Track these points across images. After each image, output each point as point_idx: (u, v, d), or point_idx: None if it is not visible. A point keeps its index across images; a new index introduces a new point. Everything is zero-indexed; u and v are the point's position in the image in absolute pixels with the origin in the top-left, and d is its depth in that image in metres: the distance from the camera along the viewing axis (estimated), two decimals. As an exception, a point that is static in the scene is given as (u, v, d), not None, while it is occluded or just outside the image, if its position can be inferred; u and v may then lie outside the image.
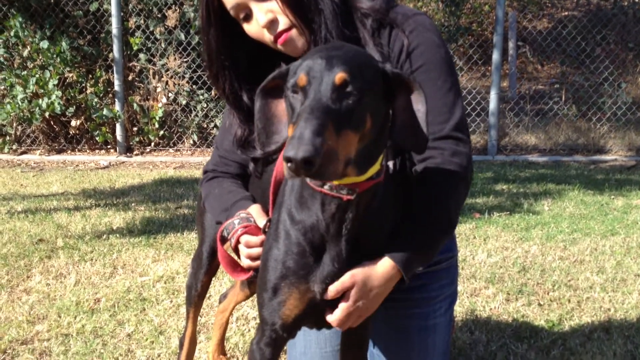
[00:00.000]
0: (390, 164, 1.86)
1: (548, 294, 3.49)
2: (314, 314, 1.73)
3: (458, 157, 1.83)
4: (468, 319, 3.17)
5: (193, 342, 2.49)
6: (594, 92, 8.44)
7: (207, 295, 3.40)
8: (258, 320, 1.77)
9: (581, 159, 7.73)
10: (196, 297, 2.41)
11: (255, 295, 2.78)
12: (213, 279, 3.50)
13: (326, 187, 1.55)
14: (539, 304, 3.35)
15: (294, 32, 1.85)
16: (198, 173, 7.14)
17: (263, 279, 1.73)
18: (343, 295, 1.68)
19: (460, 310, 3.27)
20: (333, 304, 1.70)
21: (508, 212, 5.14)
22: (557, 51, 9.65)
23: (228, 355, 2.84)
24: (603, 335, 2.98)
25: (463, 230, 4.62)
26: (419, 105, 1.50)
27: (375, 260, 1.68)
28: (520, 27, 10.14)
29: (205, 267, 2.35)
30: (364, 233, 1.63)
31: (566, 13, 11.12)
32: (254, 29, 1.88)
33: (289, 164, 1.25)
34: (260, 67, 1.95)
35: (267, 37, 1.87)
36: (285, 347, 2.81)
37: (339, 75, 1.37)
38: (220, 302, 2.85)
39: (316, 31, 1.83)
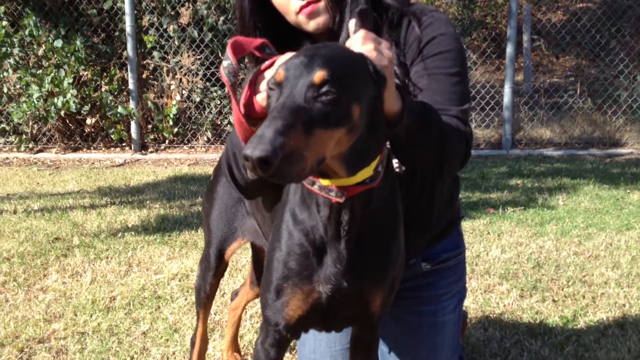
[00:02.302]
0: (395, 162, 1.86)
1: (562, 289, 3.47)
2: (320, 315, 1.73)
3: (463, 129, 1.80)
4: (482, 316, 3.17)
5: (204, 341, 2.51)
6: (610, 84, 8.37)
7: (222, 293, 3.42)
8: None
9: (597, 153, 7.68)
10: (205, 298, 2.43)
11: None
12: (227, 276, 3.53)
13: (315, 186, 1.54)
14: (553, 300, 3.34)
15: (321, 4, 1.84)
16: (212, 170, 7.16)
17: (266, 279, 1.74)
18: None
19: (473, 306, 3.26)
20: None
21: (522, 207, 5.12)
22: (572, 44, 9.57)
23: (242, 353, 2.86)
24: (618, 332, 2.97)
25: (477, 225, 4.61)
26: None
27: None
28: (534, 20, 10.07)
29: (214, 269, 2.36)
30: (366, 235, 1.63)
31: (581, 5, 11.03)
32: None
33: (246, 162, 1.22)
34: (290, 33, 1.94)
35: (293, 6, 1.85)
36: (294, 346, 2.82)
37: (318, 74, 1.33)
38: (232, 299, 2.87)
39: (345, 11, 1.83)
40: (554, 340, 2.90)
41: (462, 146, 1.79)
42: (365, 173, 1.51)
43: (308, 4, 1.83)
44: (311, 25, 1.87)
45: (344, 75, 1.37)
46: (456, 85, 1.86)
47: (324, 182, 1.53)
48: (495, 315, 3.18)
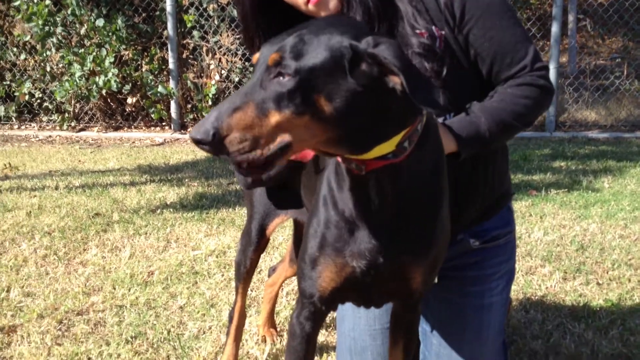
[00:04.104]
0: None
1: (607, 273, 3.38)
2: (356, 289, 1.70)
3: (537, 83, 1.91)
4: (523, 297, 3.10)
5: (242, 316, 2.50)
6: (658, 66, 8.11)
7: (259, 270, 3.41)
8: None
9: (644, 136, 7.46)
10: (245, 273, 2.42)
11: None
12: (263, 253, 3.52)
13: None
14: (598, 283, 3.25)
15: None
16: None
17: (303, 249, 1.73)
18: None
19: (515, 288, 3.19)
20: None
21: (566, 190, 4.99)
22: (619, 24, 9.29)
23: (278, 329, 2.84)
24: (665, 316, 2.87)
25: (518, 207, 4.51)
26: (397, 85, 1.39)
27: None
28: (580, 0, 9.79)
29: (255, 244, 2.35)
30: (406, 211, 1.58)
31: (630, -16, 10.68)
32: None
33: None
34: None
35: None
36: (330, 323, 2.80)
37: (272, 56, 1.36)
38: (269, 275, 2.86)
39: None
40: (598, 324, 2.82)
41: (535, 100, 1.90)
42: (384, 148, 1.46)
43: None
44: (323, 14, 1.85)
45: (304, 59, 1.35)
46: (514, 34, 1.89)
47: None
48: (537, 298, 3.10)
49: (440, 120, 1.86)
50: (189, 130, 8.40)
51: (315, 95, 1.34)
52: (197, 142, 1.29)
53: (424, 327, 2.22)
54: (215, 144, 1.29)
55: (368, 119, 1.41)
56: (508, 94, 1.88)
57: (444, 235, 1.72)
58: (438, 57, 1.82)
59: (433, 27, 1.84)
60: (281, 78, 1.34)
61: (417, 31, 1.81)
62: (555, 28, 7.57)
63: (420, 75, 1.42)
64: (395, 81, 1.36)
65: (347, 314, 2.25)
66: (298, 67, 1.34)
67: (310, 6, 1.83)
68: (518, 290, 3.17)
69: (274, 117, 1.32)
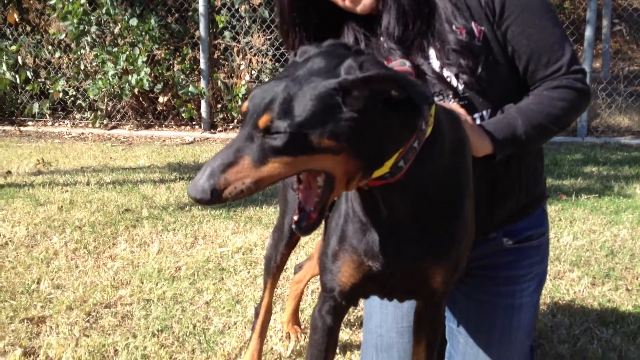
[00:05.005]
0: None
1: (637, 279, 3.33)
2: (375, 285, 1.72)
3: (573, 86, 1.90)
4: (550, 302, 3.07)
5: (269, 312, 2.51)
6: (695, 71, 7.96)
7: (284, 267, 3.42)
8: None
9: (678, 142, 7.32)
10: (275, 268, 2.43)
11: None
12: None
13: None
14: (627, 289, 3.20)
15: None
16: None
17: (326, 241, 1.75)
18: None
19: (542, 292, 3.14)
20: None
21: (597, 195, 4.92)
22: (655, 29, 9.14)
23: (302, 327, 2.85)
24: (696, 324, 2.82)
25: (549, 211, 4.42)
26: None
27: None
28: (615, 4, 9.65)
29: (287, 239, 2.36)
30: (420, 215, 1.59)
31: (667, -11, 10.51)
32: None
33: None
34: (329, 28, 1.94)
35: None
36: (355, 322, 2.80)
37: (263, 118, 1.34)
38: (295, 273, 2.87)
39: None
40: (626, 330, 2.78)
41: (572, 102, 1.89)
42: (379, 172, 1.47)
43: None
44: (358, 9, 1.88)
45: (294, 116, 1.33)
46: (553, 34, 1.90)
47: None
48: (564, 302, 3.07)
49: (477, 121, 1.86)
50: (218, 129, 8.47)
51: (315, 140, 1.34)
52: (197, 201, 1.34)
53: (451, 325, 2.21)
54: (214, 200, 1.33)
55: (374, 141, 1.41)
56: (545, 96, 1.88)
57: (466, 236, 1.71)
58: (474, 55, 1.82)
59: (472, 24, 1.85)
60: (274, 136, 1.33)
61: (454, 27, 1.82)
62: (589, 32, 7.47)
63: (408, 76, 1.49)
64: (390, 89, 1.39)
65: (375, 310, 2.25)
66: (288, 125, 1.33)
67: (347, 2, 1.86)
68: (546, 294, 3.14)
69: (279, 162, 1.34)
